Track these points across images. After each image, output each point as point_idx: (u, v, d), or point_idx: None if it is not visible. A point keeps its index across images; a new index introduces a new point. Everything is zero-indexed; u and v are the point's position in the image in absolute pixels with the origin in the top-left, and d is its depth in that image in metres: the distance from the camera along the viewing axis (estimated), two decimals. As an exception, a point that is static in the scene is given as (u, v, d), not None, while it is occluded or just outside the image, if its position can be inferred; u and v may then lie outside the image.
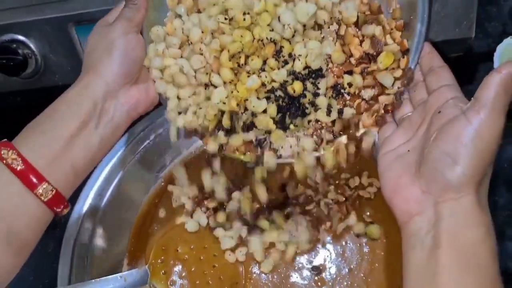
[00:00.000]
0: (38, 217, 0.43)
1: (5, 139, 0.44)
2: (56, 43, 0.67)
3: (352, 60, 0.48)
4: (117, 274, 0.58)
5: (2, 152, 0.42)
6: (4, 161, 0.42)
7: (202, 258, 0.61)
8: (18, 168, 0.41)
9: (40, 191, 0.42)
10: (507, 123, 0.68)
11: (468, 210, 0.38)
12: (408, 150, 0.43)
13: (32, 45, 0.66)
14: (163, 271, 0.60)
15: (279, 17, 0.46)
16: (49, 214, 0.44)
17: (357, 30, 0.48)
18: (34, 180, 0.42)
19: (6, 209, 0.42)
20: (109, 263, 0.64)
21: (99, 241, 0.63)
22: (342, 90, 0.48)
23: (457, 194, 0.38)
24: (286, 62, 0.47)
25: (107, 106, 0.46)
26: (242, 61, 0.47)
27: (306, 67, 0.47)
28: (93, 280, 0.58)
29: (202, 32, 0.48)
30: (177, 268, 0.60)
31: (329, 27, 0.48)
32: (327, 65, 0.47)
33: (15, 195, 0.42)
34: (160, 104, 0.53)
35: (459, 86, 0.45)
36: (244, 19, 0.46)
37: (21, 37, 0.66)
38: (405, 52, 0.48)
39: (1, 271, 0.43)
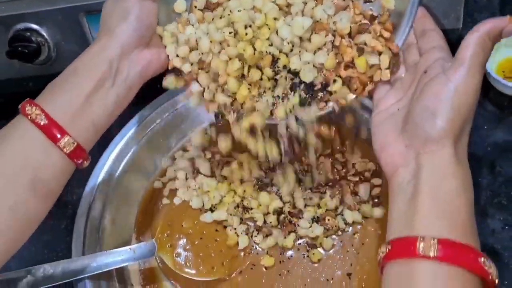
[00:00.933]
0: (61, 167, 0.48)
1: (28, 98, 0.48)
2: (68, 31, 0.71)
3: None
4: (126, 247, 0.63)
5: (27, 109, 0.46)
6: (29, 117, 0.46)
7: (205, 232, 0.66)
8: (42, 123, 0.46)
9: (63, 143, 0.46)
10: (491, 109, 0.73)
11: (446, 162, 0.41)
12: (398, 109, 0.47)
13: (45, 34, 0.70)
14: (169, 244, 0.64)
15: (277, 31, 0.51)
16: (71, 165, 0.49)
17: (351, 40, 0.51)
18: (57, 133, 0.46)
19: (32, 160, 0.46)
20: (119, 237, 0.69)
21: (109, 216, 0.68)
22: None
23: (436, 146, 0.41)
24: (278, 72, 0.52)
25: (121, 66, 0.49)
26: (245, 71, 0.52)
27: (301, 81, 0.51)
28: (105, 252, 0.62)
29: (211, 41, 0.53)
30: (182, 241, 0.65)
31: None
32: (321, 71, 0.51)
33: (39, 148, 0.46)
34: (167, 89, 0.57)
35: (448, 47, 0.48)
36: (246, 34, 0.50)
37: (35, 26, 0.70)
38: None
39: (30, 215, 0.48)
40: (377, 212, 0.64)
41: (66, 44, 0.72)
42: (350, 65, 0.50)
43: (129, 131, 0.72)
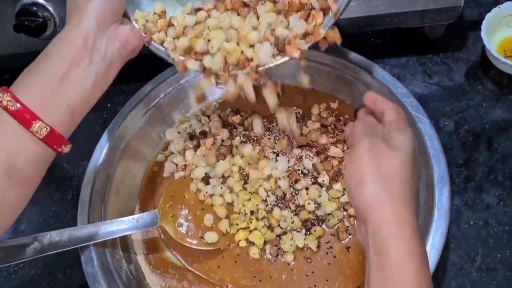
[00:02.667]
0: (36, 153, 0.45)
1: (5, 86, 0.46)
2: (73, 6, 0.72)
3: None
4: (130, 216, 0.65)
5: None
6: (1, 104, 0.44)
7: (206, 203, 0.67)
8: (13, 108, 0.43)
9: (35, 128, 0.44)
10: (491, 88, 0.73)
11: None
12: None
13: (51, 8, 0.71)
14: (171, 215, 0.66)
15: None
16: (49, 151, 0.46)
17: None
18: (28, 118, 0.44)
19: (5, 147, 0.44)
20: (123, 208, 0.71)
21: (114, 188, 0.69)
22: None
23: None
24: None
25: (98, 44, 0.46)
26: None
27: None
28: (109, 221, 0.64)
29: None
30: (184, 212, 0.67)
31: None
32: None
33: (13, 134, 0.44)
34: (170, 64, 0.58)
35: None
36: None
37: (41, 1, 0.70)
38: None
39: (7, 202, 0.46)
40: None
41: (71, 19, 0.73)
42: None
43: (132, 105, 0.73)
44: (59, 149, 0.47)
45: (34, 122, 0.44)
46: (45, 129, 0.44)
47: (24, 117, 0.44)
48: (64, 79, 0.45)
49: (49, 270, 0.71)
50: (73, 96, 0.46)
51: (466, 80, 0.76)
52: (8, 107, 0.44)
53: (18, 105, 0.44)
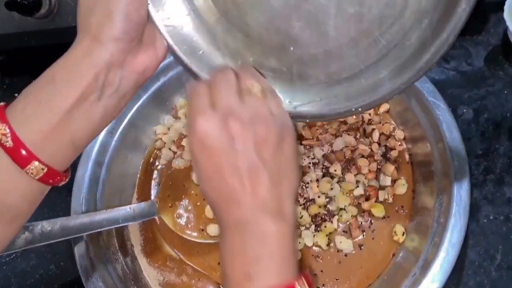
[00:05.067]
0: (31, 191, 0.40)
1: (3, 103, 0.40)
2: (69, -17, 0.68)
3: None
4: (126, 206, 0.61)
5: None
6: None
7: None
8: (7, 145, 0.38)
9: (31, 169, 0.38)
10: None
11: None
12: None
13: (46, -15, 0.67)
14: (170, 205, 0.62)
15: None
16: (45, 187, 0.41)
17: None
18: (24, 158, 0.38)
19: None
20: (119, 197, 0.67)
21: (110, 175, 0.66)
22: None
23: None
24: None
25: (111, 77, 0.39)
26: None
27: None
28: (104, 211, 0.61)
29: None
30: (184, 202, 0.63)
31: None
32: None
33: (5, 170, 0.39)
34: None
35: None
36: None
37: (34, -23, 0.66)
38: None
39: None
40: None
41: (68, -3, 0.69)
42: None
43: (131, 89, 0.69)
44: (56, 183, 0.42)
45: (30, 163, 0.38)
46: (41, 170, 0.39)
47: (20, 156, 0.38)
48: (69, 113, 0.39)
49: (41, 261, 0.68)
50: (78, 132, 0.40)
51: (486, 65, 0.72)
52: (2, 141, 0.38)
53: (13, 141, 0.38)
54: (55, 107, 0.38)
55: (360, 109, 0.40)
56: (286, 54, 0.41)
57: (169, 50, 0.42)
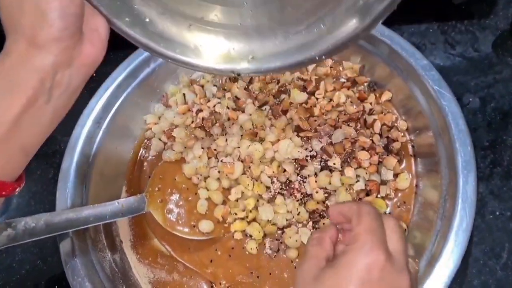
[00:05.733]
0: None
1: None
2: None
3: None
4: (114, 201, 0.58)
5: None
6: None
7: (199, 187, 0.60)
8: None
9: None
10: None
11: None
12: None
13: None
14: (160, 199, 0.59)
15: None
16: None
17: None
18: None
19: None
20: (108, 190, 0.64)
21: (97, 167, 0.63)
22: None
23: None
24: None
25: (59, 78, 0.36)
26: None
27: None
28: (91, 206, 0.57)
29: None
30: (174, 197, 0.60)
31: None
32: None
33: None
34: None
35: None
36: None
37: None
38: None
39: None
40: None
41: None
42: None
43: (119, 75, 0.66)
44: (9, 194, 0.39)
45: None
46: None
47: None
48: (16, 122, 0.36)
49: (27, 256, 0.66)
50: (28, 138, 0.38)
51: (493, 51, 0.68)
52: None
53: None
54: (0, 118, 0.36)
55: (323, 57, 0.40)
56: (239, 7, 0.40)
57: (114, 27, 0.40)
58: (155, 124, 0.67)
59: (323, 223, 0.57)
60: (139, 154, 0.67)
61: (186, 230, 0.58)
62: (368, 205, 0.38)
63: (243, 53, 0.41)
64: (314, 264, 0.37)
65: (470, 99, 0.65)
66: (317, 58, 0.40)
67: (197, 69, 0.42)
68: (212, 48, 0.41)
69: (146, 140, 0.68)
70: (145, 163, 0.67)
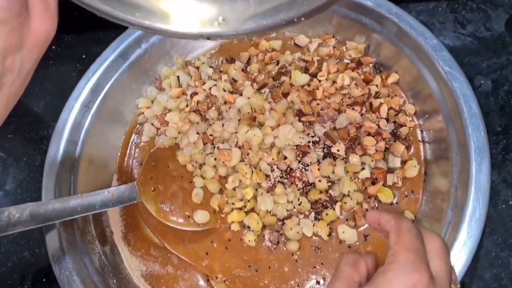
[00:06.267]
0: None
1: None
2: None
3: None
4: (104, 190, 0.54)
5: None
6: None
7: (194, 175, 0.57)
8: None
9: None
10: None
11: None
12: None
13: None
14: (152, 188, 0.56)
15: None
16: None
17: None
18: None
19: None
20: (98, 179, 0.60)
21: (86, 154, 0.59)
22: None
23: None
24: None
25: (9, 64, 0.33)
26: None
27: None
28: (79, 195, 0.54)
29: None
30: (168, 185, 0.56)
31: None
32: None
33: None
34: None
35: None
36: None
37: None
38: None
39: None
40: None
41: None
42: None
43: (109, 56, 0.62)
44: None
45: None
46: None
47: None
48: None
49: (14, 248, 0.63)
50: None
51: (507, 30, 0.65)
52: None
53: None
54: None
55: (302, 18, 0.35)
56: None
57: None
58: (148, 108, 0.64)
59: (326, 214, 0.53)
60: (131, 140, 0.63)
61: (180, 221, 0.55)
62: (409, 221, 0.36)
63: (213, 15, 0.37)
64: (347, 285, 0.35)
65: (482, 82, 0.62)
66: (295, 20, 0.35)
67: (164, 34, 0.38)
68: (180, 11, 0.37)
69: (138, 125, 0.64)
70: (137, 150, 0.63)
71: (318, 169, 0.54)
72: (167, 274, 0.56)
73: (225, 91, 0.60)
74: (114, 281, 0.54)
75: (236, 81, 0.62)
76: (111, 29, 0.69)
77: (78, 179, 0.58)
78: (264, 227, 0.54)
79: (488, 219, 0.54)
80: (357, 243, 0.53)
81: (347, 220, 0.54)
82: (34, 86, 0.72)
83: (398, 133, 0.56)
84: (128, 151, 0.63)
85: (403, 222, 0.35)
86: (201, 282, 0.55)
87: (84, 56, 0.72)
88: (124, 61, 0.63)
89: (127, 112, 0.65)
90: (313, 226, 0.53)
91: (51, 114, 0.64)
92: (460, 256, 0.46)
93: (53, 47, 0.74)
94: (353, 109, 0.57)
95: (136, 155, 0.63)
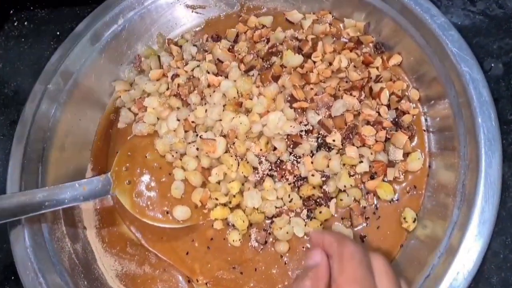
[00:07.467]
0: None
1: None
2: None
3: None
4: (75, 182, 0.50)
5: None
6: None
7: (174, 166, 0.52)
8: None
9: None
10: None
11: None
12: None
13: None
14: (127, 181, 0.51)
15: None
16: None
17: None
18: None
19: None
20: (70, 169, 0.56)
21: (57, 143, 0.55)
22: None
23: None
24: None
25: None
26: None
27: None
28: (47, 188, 0.50)
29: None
30: (145, 178, 0.51)
31: None
32: None
33: None
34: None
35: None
36: None
37: None
38: None
39: None
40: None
41: None
42: None
43: (83, 32, 0.57)
44: None
45: None
46: None
47: None
48: None
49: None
50: None
51: (521, 8, 0.60)
52: None
53: None
54: None
55: None
56: None
57: None
58: (126, 91, 0.58)
59: (320, 212, 0.48)
60: (109, 125, 0.58)
61: (158, 216, 0.50)
62: (351, 244, 0.35)
63: None
64: None
65: (492, 65, 0.57)
66: None
67: None
68: None
69: (116, 110, 0.59)
70: (114, 137, 0.58)
71: (312, 162, 0.49)
72: (144, 274, 0.51)
73: (208, 73, 0.55)
74: (85, 282, 0.50)
75: (221, 62, 0.56)
76: (88, 4, 0.64)
77: (48, 169, 0.53)
78: (250, 225, 0.50)
79: (496, 218, 0.49)
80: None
81: (342, 219, 0.49)
82: (4, 65, 0.68)
83: (400, 121, 0.51)
84: (103, 139, 0.58)
85: (345, 246, 0.35)
86: (182, 284, 0.50)
87: (58, 33, 0.67)
88: (99, 38, 0.58)
89: (104, 96, 0.60)
90: (305, 225, 0.48)
91: (23, 97, 0.59)
92: (467, 260, 0.42)
93: (26, 23, 0.69)
94: (350, 94, 0.52)
95: (112, 143, 0.58)
